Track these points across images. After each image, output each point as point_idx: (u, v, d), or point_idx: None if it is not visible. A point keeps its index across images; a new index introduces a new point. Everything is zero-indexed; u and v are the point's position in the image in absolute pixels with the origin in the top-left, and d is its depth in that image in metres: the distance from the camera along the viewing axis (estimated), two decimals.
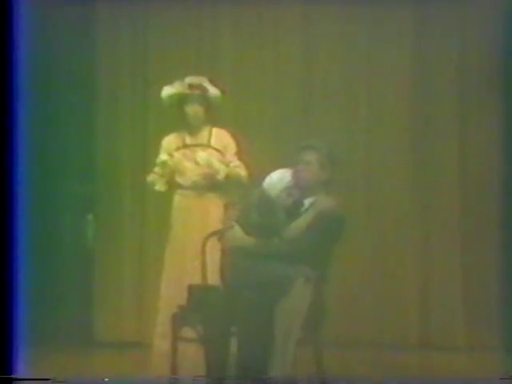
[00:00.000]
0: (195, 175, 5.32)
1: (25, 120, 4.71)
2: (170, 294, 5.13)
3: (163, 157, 5.34)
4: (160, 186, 5.34)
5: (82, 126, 6.66)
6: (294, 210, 4.67)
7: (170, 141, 5.47)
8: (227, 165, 5.36)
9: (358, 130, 6.52)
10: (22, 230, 4.62)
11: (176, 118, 5.46)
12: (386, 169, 6.49)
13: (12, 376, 4.33)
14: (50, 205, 6.55)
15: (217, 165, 5.30)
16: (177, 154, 5.37)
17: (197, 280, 4.95)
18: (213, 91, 5.43)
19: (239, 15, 6.60)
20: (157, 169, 5.36)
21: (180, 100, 5.42)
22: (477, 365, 5.69)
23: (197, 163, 5.34)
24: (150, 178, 5.37)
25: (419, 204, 6.51)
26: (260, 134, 6.43)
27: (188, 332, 4.72)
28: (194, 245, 5.11)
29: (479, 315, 6.31)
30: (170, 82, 5.45)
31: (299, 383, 4.52)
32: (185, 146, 5.43)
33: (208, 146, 5.42)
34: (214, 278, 4.90)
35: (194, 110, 5.41)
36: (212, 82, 5.46)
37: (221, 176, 5.30)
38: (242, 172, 5.38)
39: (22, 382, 4.34)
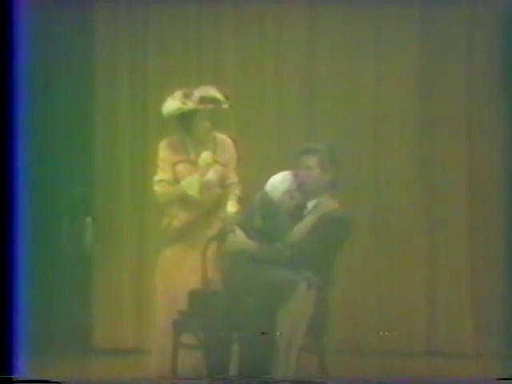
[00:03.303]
0: (200, 191, 5.20)
1: (24, 122, 4.80)
2: (171, 299, 5.09)
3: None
4: (195, 191, 5.18)
5: (81, 128, 6.69)
6: (296, 213, 4.77)
7: (171, 151, 5.27)
8: (225, 185, 5.30)
9: (363, 133, 6.56)
10: (20, 233, 4.72)
11: (177, 128, 5.32)
12: (391, 170, 6.53)
13: (12, 377, 4.46)
14: (48, 207, 6.56)
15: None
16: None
17: (198, 285, 5.02)
18: (225, 102, 5.19)
19: (241, 18, 6.62)
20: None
21: (189, 116, 5.17)
22: (484, 372, 5.73)
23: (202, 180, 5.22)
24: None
25: (426, 207, 6.53)
26: (262, 138, 6.49)
27: (189, 338, 4.82)
28: (194, 249, 5.14)
29: (486, 321, 6.36)
30: (170, 90, 5.19)
31: None
32: (189, 160, 5.26)
33: (214, 161, 5.28)
34: (215, 283, 4.95)
35: (205, 125, 5.20)
36: (219, 89, 5.23)
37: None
38: (239, 191, 5.30)
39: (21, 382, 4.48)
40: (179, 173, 5.26)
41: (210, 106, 5.16)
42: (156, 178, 5.29)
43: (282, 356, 4.49)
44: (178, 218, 5.30)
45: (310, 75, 6.63)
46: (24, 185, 4.85)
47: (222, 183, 5.33)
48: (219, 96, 5.18)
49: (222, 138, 5.38)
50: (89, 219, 6.82)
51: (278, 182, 4.84)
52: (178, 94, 5.18)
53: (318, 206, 4.76)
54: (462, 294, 6.46)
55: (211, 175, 5.24)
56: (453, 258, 6.48)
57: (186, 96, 5.15)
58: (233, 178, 5.36)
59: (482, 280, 6.44)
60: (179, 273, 5.20)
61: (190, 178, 5.19)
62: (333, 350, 4.92)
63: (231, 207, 5.22)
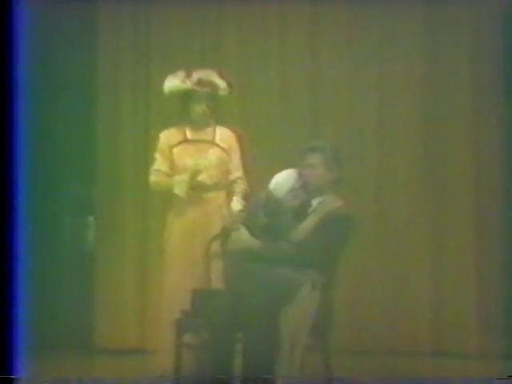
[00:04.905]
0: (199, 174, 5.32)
1: (25, 120, 4.83)
2: (173, 298, 5.15)
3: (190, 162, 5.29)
4: (181, 191, 5.28)
5: (83, 126, 6.74)
6: (300, 212, 4.78)
7: (169, 134, 5.42)
8: (229, 177, 5.40)
9: (367, 131, 6.60)
10: (22, 232, 4.74)
11: (180, 116, 5.44)
12: (396, 169, 6.57)
13: (12, 376, 4.50)
14: (50, 206, 6.58)
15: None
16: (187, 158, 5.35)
17: (200, 284, 5.05)
18: (223, 89, 5.36)
19: (245, 10, 6.64)
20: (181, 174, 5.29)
21: (186, 96, 5.35)
22: (491, 372, 5.69)
23: (200, 158, 5.33)
24: (173, 180, 5.29)
25: (431, 206, 6.55)
26: (266, 134, 6.52)
27: (192, 338, 4.85)
28: (197, 247, 5.22)
29: (493, 321, 6.38)
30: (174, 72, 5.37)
31: None
32: (186, 140, 5.40)
33: (212, 142, 5.42)
34: (218, 282, 5.02)
35: (201, 108, 5.35)
36: (221, 75, 5.40)
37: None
38: (245, 186, 5.41)
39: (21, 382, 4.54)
40: (177, 155, 5.38)
41: (206, 89, 5.34)
42: (152, 168, 5.42)
43: (285, 356, 4.49)
44: (182, 215, 5.36)
45: (315, 72, 6.66)
46: (25, 183, 4.88)
47: (224, 172, 5.40)
48: (218, 81, 5.37)
49: (222, 128, 5.50)
50: (91, 218, 6.85)
51: (282, 181, 4.87)
52: (180, 73, 5.39)
53: (322, 205, 4.77)
54: (468, 293, 6.47)
55: (210, 156, 5.36)
56: (458, 257, 6.50)
57: (187, 76, 5.36)
58: (237, 172, 5.45)
59: (488, 279, 6.44)
60: (182, 272, 5.27)
61: (178, 178, 5.29)
62: (337, 350, 4.92)
63: (236, 204, 5.32)
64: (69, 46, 6.71)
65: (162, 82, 5.50)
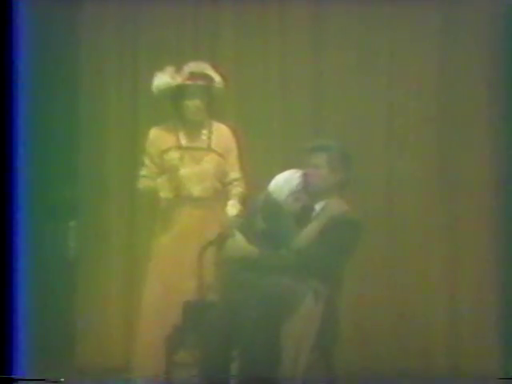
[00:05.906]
0: (192, 184, 5.29)
1: (23, 120, 4.98)
2: (163, 312, 5.07)
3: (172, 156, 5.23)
4: (167, 193, 5.22)
5: (67, 127, 6.71)
6: (302, 217, 4.69)
7: (160, 137, 5.34)
8: (224, 181, 5.34)
9: (376, 129, 6.50)
10: (18, 234, 4.90)
11: (170, 116, 5.37)
12: (406, 170, 6.46)
13: (12, 376, 4.61)
14: (34, 211, 6.54)
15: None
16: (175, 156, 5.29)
17: (193, 296, 4.96)
18: (218, 81, 5.29)
19: (242, 7, 6.53)
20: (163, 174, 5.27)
21: (178, 92, 5.25)
22: None
23: (195, 169, 5.28)
24: (153, 183, 5.25)
25: (445, 210, 6.45)
26: (265, 133, 6.42)
27: (184, 356, 4.74)
28: (189, 256, 5.08)
29: None
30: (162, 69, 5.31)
31: None
32: (180, 146, 5.33)
33: (208, 149, 5.34)
34: (212, 294, 4.92)
35: (195, 104, 5.25)
36: (214, 68, 5.31)
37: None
38: (242, 188, 5.36)
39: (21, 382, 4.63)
40: (168, 162, 5.31)
41: (200, 82, 5.26)
42: (140, 173, 5.38)
43: (286, 374, 4.41)
44: (172, 221, 5.31)
45: (319, 65, 6.56)
46: (22, 184, 5.01)
47: (221, 177, 5.35)
48: (211, 73, 5.27)
49: (218, 125, 5.42)
50: (73, 225, 6.81)
51: (283, 182, 4.79)
52: (169, 69, 5.29)
53: (326, 209, 4.69)
54: (486, 307, 6.34)
55: (206, 164, 5.30)
56: (475, 268, 6.38)
57: (176, 71, 5.26)
58: (234, 173, 5.39)
59: (509, 292, 6.32)
60: (173, 283, 5.21)
61: (160, 179, 5.25)
62: (342, 368, 4.85)
63: (232, 208, 5.27)
64: (53, 41, 6.64)
65: (151, 79, 5.39)
